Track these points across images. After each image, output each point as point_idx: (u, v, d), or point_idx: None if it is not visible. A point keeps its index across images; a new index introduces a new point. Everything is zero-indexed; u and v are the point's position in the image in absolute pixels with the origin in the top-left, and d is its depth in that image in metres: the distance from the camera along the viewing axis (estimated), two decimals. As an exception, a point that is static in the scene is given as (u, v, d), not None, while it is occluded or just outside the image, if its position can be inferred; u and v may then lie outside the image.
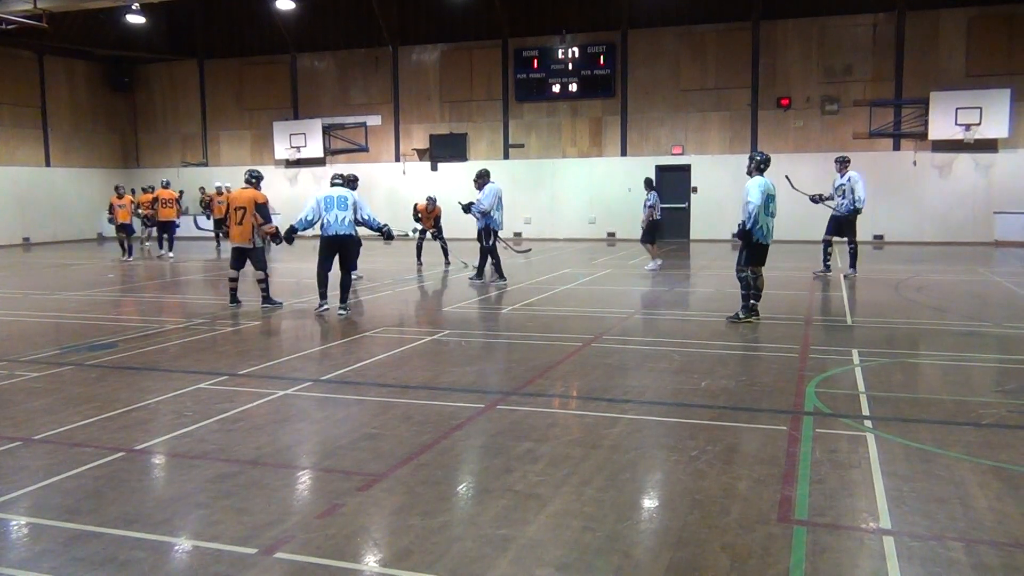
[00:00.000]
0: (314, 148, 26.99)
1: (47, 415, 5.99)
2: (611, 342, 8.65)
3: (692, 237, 24.10)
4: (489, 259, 13.94)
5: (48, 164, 27.40)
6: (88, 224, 28.63)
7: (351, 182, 14.12)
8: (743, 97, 23.46)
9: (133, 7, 21.73)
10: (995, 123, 20.95)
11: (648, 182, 15.85)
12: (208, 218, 24.52)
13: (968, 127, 21.02)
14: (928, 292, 12.40)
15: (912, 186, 22.22)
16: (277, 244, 11.39)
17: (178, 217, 21.67)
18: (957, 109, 21.07)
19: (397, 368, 7.56)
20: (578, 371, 7.36)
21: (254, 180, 11.29)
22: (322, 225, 10.60)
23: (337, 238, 10.52)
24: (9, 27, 21.15)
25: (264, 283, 11.24)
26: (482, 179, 14.02)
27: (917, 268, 15.61)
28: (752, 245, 9.59)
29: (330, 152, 27.34)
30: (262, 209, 11.04)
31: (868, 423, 5.59)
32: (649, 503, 4.34)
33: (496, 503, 4.24)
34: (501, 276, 13.86)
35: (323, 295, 10.70)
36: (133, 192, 23.09)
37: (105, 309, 11.65)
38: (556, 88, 24.80)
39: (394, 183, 26.47)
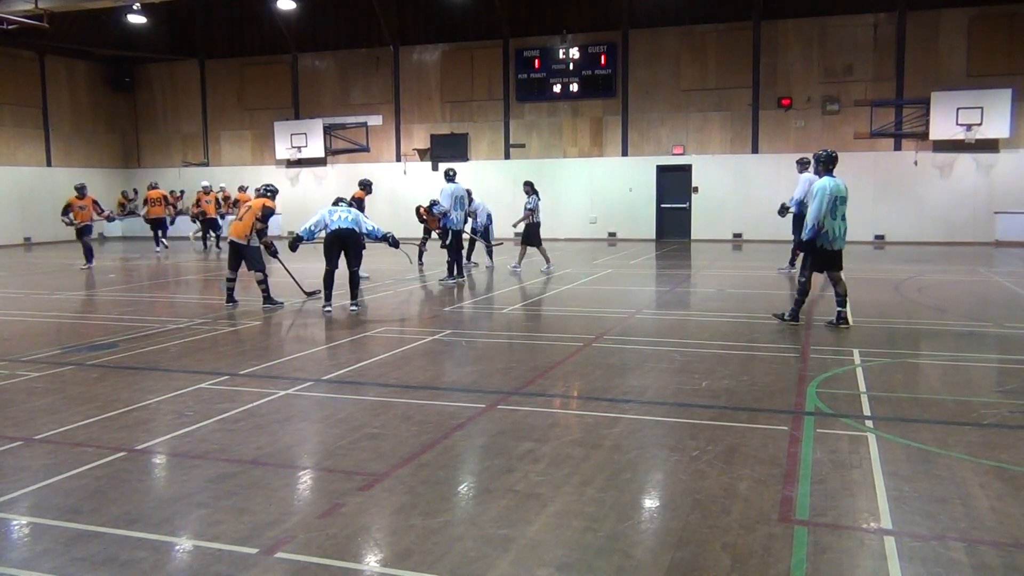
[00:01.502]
0: (315, 148, 26.99)
1: (48, 415, 5.99)
2: (612, 342, 8.65)
3: (693, 237, 24.10)
4: (448, 256, 14.19)
5: (49, 164, 27.41)
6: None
7: (365, 186, 14.47)
8: (744, 97, 23.45)
9: (134, 7, 21.75)
10: (996, 123, 20.93)
11: (529, 185, 15.66)
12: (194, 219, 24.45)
13: (969, 127, 21.00)
14: (929, 292, 12.39)
15: (913, 186, 22.21)
16: (272, 254, 11.63)
17: (167, 215, 23.25)
18: (958, 109, 21.06)
19: (398, 368, 7.56)
20: (579, 371, 7.36)
21: (268, 193, 11.67)
22: (326, 228, 10.79)
23: (340, 232, 10.68)
24: (10, 27, 21.15)
25: (264, 284, 11.30)
26: (444, 178, 14.43)
27: (918, 268, 15.60)
28: (816, 251, 9.02)
29: (331, 152, 27.35)
30: (267, 212, 11.27)
31: (869, 423, 5.59)
32: (650, 503, 4.34)
33: (497, 503, 4.24)
34: (450, 275, 14.01)
35: (328, 296, 10.79)
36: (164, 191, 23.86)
37: (106, 309, 11.66)
38: (557, 88, 24.80)
39: (395, 183, 26.47)
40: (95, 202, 18.15)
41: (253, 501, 4.28)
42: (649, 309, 11.40)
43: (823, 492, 4.32)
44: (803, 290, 9.26)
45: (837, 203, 8.89)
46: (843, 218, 9.00)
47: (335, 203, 11.33)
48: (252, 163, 28.57)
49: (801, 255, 14.45)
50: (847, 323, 9.13)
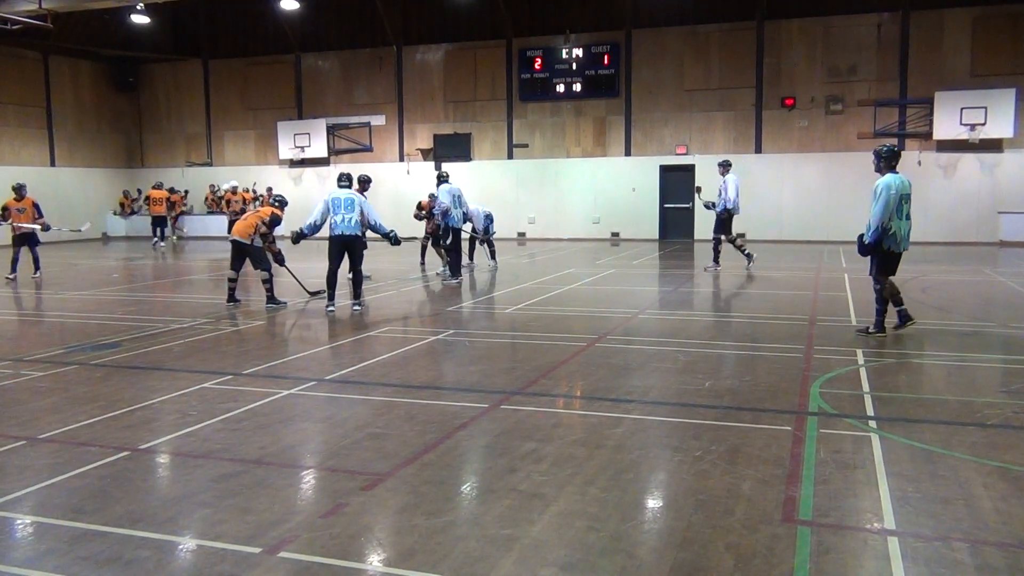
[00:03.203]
0: (318, 148, 27.01)
1: (52, 414, 6.00)
2: (615, 342, 8.65)
3: (696, 237, 24.08)
4: (447, 255, 14.39)
5: (53, 164, 27.46)
6: (94, 223, 28.67)
7: (364, 183, 14.41)
8: (747, 97, 23.43)
9: (138, 7, 21.79)
10: (1000, 123, 20.90)
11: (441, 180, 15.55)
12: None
13: (973, 127, 20.97)
14: (933, 292, 12.36)
15: (917, 186, 21.73)
16: (279, 262, 11.82)
17: (166, 213, 24.85)
18: (962, 109, 21.03)
19: (401, 368, 7.57)
20: (582, 371, 7.36)
21: (278, 203, 11.89)
22: (330, 226, 10.76)
23: (344, 238, 10.69)
24: (14, 27, 21.19)
25: (268, 283, 11.32)
26: (439, 180, 14.55)
27: (922, 268, 15.57)
28: (884, 253, 8.43)
29: (334, 152, 27.37)
30: (275, 219, 11.42)
31: (872, 423, 5.58)
32: (653, 503, 4.34)
33: (500, 503, 4.24)
34: (454, 274, 14.19)
35: (331, 296, 10.80)
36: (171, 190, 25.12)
37: (109, 308, 11.68)
38: (560, 88, 24.80)
39: (398, 183, 26.48)
40: (35, 205, 15.75)
41: (256, 501, 4.29)
42: (652, 309, 11.39)
43: (826, 492, 4.32)
44: (884, 298, 8.61)
45: (902, 201, 8.32)
46: (908, 217, 8.43)
47: (339, 184, 11.03)
48: (256, 163, 28.61)
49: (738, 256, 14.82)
50: (883, 332, 8.63)
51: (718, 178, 14.04)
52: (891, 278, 8.68)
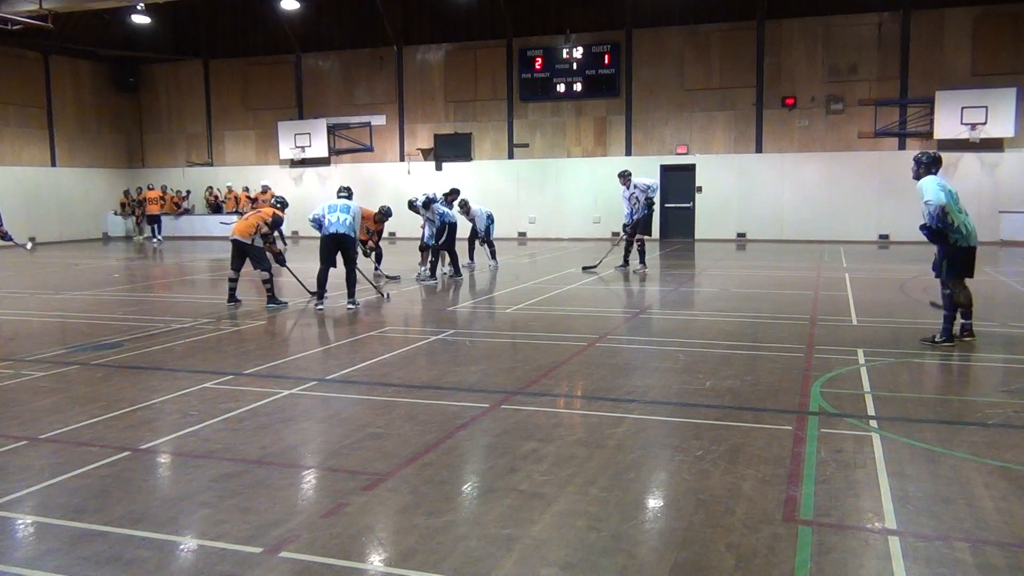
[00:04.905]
0: (319, 148, 27.01)
1: (53, 414, 6.00)
2: (616, 342, 8.65)
3: (697, 237, 24.08)
4: (445, 255, 14.79)
5: (54, 164, 27.46)
6: (94, 224, 28.74)
7: (385, 215, 14.72)
8: (748, 96, 23.42)
9: (138, 7, 21.80)
10: (1001, 122, 20.89)
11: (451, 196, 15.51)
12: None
13: (974, 126, 20.96)
14: (933, 292, 12.31)
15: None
16: (280, 263, 11.86)
17: (161, 212, 26.80)
18: (963, 108, 21.02)
19: (402, 368, 7.57)
20: (583, 371, 7.36)
21: (278, 205, 11.97)
22: (322, 226, 10.86)
23: (336, 236, 10.76)
24: (15, 27, 21.20)
25: (268, 283, 11.32)
26: (449, 202, 15.22)
27: (922, 268, 15.52)
28: (953, 250, 7.94)
29: (335, 152, 27.37)
30: (276, 220, 11.48)
31: (873, 423, 5.58)
32: (654, 503, 4.33)
33: (501, 503, 4.24)
34: (456, 272, 14.75)
35: (321, 295, 10.85)
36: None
37: (110, 308, 11.68)
38: (560, 88, 24.80)
39: (399, 183, 26.47)
40: None
41: (257, 500, 4.29)
42: (653, 309, 11.38)
43: (827, 492, 4.32)
44: (955, 303, 8.08)
45: (952, 198, 7.96)
46: (966, 212, 8.10)
47: (338, 195, 11.24)
48: (256, 163, 28.61)
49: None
50: (951, 341, 8.07)
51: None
52: (965, 284, 8.14)
